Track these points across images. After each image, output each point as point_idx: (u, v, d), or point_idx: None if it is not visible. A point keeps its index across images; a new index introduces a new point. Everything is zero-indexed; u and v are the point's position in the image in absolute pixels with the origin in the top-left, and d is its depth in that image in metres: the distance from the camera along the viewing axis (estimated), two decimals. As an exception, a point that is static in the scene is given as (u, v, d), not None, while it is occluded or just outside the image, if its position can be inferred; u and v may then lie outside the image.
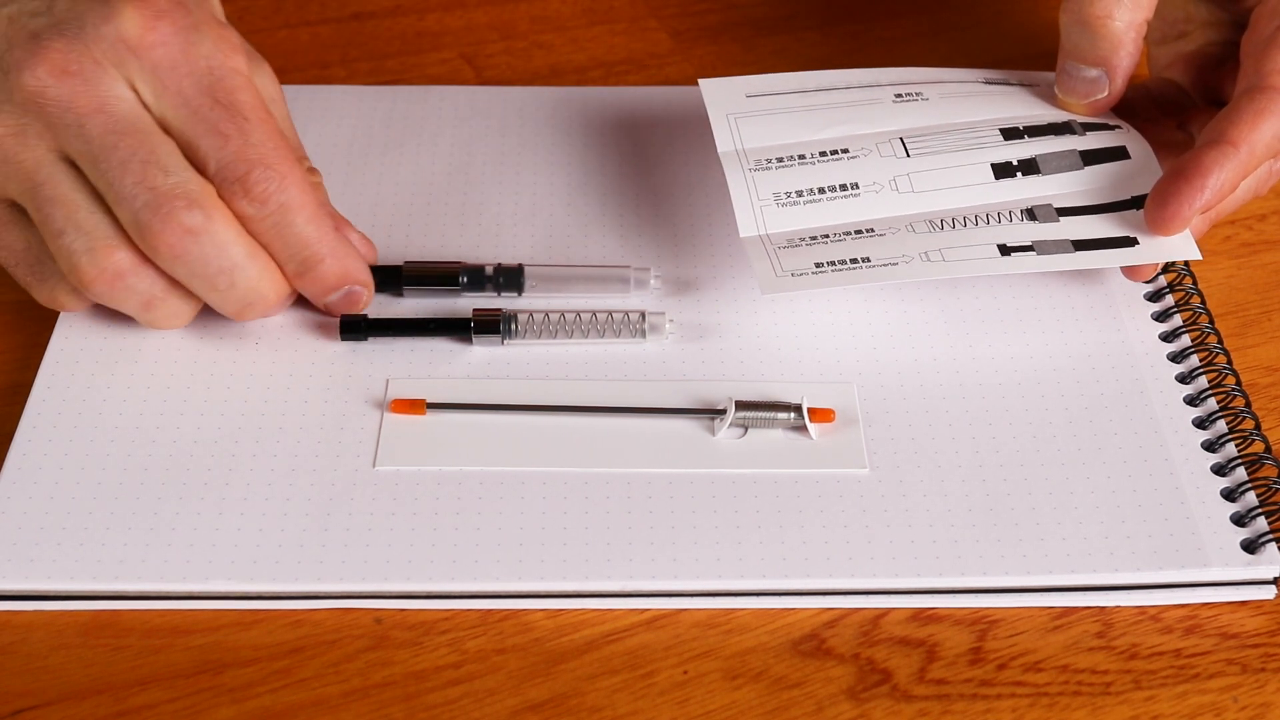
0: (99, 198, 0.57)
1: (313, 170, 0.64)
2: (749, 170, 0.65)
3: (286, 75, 0.78)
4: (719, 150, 0.66)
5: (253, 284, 0.59)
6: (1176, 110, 0.70)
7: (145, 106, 0.58)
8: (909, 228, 0.63)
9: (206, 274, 0.58)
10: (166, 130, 0.58)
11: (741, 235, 0.64)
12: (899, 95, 0.69)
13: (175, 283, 0.59)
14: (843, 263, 0.62)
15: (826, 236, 0.63)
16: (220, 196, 0.57)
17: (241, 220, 0.58)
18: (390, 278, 0.65)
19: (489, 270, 0.65)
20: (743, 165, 0.66)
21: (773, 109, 0.68)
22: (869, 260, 0.62)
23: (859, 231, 0.63)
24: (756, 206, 0.64)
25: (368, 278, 0.62)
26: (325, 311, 0.63)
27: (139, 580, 0.54)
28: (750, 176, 0.65)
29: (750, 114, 0.68)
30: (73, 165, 0.57)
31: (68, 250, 0.57)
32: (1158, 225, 0.63)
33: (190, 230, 0.57)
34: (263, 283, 0.59)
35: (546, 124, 0.75)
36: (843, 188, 0.65)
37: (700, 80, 0.69)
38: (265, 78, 0.62)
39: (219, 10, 0.62)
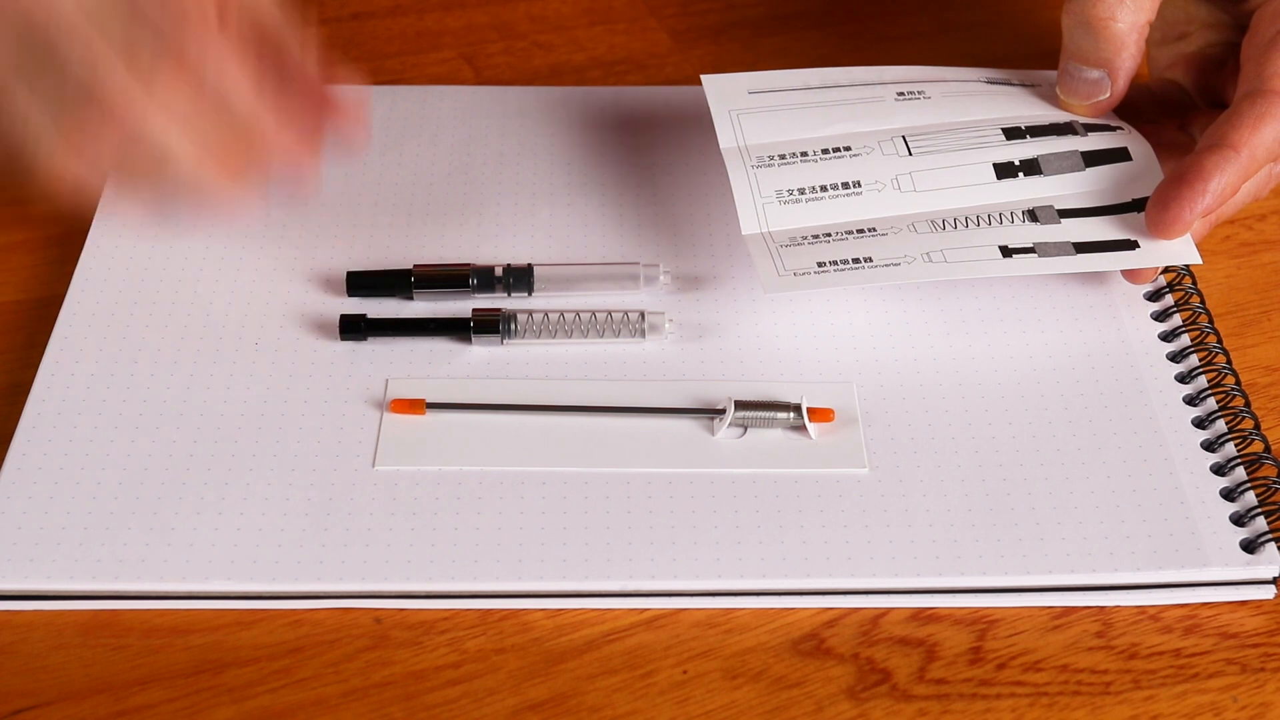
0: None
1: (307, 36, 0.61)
2: (751, 167, 0.65)
3: (286, 75, 0.78)
4: (721, 146, 0.66)
5: (189, 168, 0.57)
6: (1177, 111, 0.70)
7: (83, 8, 0.55)
8: (911, 228, 0.63)
9: (147, 166, 0.56)
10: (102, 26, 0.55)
11: (744, 233, 0.64)
12: (901, 94, 0.69)
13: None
14: (845, 262, 0.62)
15: (828, 235, 0.63)
16: (151, 81, 0.55)
17: (172, 105, 0.56)
18: (400, 281, 0.65)
19: (498, 271, 0.65)
20: (745, 162, 0.65)
21: (775, 106, 0.68)
22: (871, 260, 0.62)
23: (861, 231, 0.63)
24: (759, 203, 0.64)
25: (311, 151, 0.60)
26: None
27: (139, 580, 0.54)
28: (752, 173, 0.65)
29: (753, 110, 0.68)
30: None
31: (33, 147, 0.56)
32: (1159, 229, 0.63)
33: (123, 116, 0.55)
34: (198, 166, 0.57)
35: (546, 124, 0.75)
36: (845, 186, 0.65)
37: (702, 76, 0.69)
38: None
39: None
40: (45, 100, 0.56)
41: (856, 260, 0.62)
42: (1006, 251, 0.63)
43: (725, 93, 0.68)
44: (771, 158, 0.66)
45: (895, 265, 0.62)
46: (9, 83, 0.56)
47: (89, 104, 0.55)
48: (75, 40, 0.55)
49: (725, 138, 0.67)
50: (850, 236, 0.63)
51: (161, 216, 0.61)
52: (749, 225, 0.64)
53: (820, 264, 0.62)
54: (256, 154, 0.58)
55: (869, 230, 0.63)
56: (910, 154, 0.66)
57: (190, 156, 0.57)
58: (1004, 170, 0.65)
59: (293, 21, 0.61)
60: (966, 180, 0.65)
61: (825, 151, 0.66)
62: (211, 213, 0.60)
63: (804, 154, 0.66)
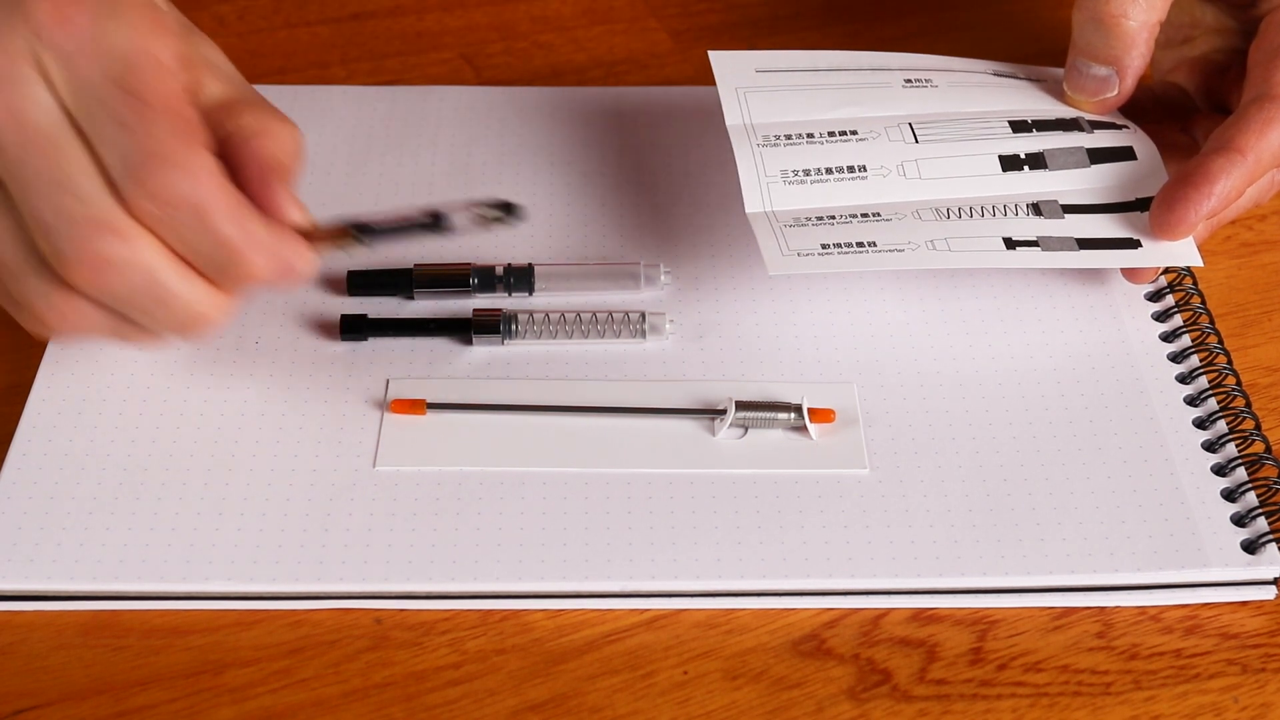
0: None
1: (287, 126, 0.56)
2: (757, 145, 0.65)
3: (286, 75, 0.78)
4: (727, 123, 0.66)
5: (189, 305, 0.54)
6: (1180, 114, 0.70)
7: (59, 103, 0.52)
8: (915, 214, 0.63)
9: (136, 302, 0.53)
10: (77, 127, 0.52)
11: (748, 211, 0.63)
12: (909, 80, 0.68)
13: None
14: (849, 245, 0.62)
15: (833, 218, 0.63)
16: (126, 201, 0.51)
17: (152, 227, 0.52)
18: (400, 281, 0.65)
19: (499, 270, 0.65)
20: (751, 140, 0.65)
21: (783, 86, 0.68)
22: (875, 245, 0.62)
23: (865, 215, 0.63)
24: (763, 182, 0.64)
25: (304, 253, 0.54)
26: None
27: (139, 580, 0.54)
28: (758, 152, 0.65)
29: (760, 89, 0.67)
30: (2, 185, 0.52)
31: (19, 298, 0.54)
32: (1163, 230, 0.63)
33: (108, 261, 0.51)
34: (201, 302, 0.54)
35: (546, 124, 0.75)
36: (850, 169, 0.65)
37: (710, 53, 0.69)
38: (207, 47, 0.56)
39: None
40: (12, 230, 0.53)
41: (860, 244, 0.62)
42: (1010, 244, 0.63)
43: (733, 70, 0.68)
44: (778, 137, 0.65)
45: (899, 251, 0.62)
46: None
47: (62, 229, 0.51)
48: (42, 157, 0.51)
49: (732, 115, 0.66)
50: (855, 220, 0.63)
51: (142, 342, 0.57)
52: (753, 204, 0.63)
53: (824, 245, 0.62)
54: (248, 266, 0.53)
55: (873, 215, 0.63)
56: (917, 141, 0.65)
57: (180, 279, 0.53)
58: (1009, 163, 0.65)
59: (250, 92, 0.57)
60: (972, 170, 0.65)
61: (832, 134, 0.66)
62: (200, 332, 0.55)
63: (810, 135, 0.65)
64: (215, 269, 0.53)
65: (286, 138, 0.55)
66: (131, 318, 0.54)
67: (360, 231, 0.56)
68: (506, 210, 0.55)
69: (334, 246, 0.56)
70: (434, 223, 0.55)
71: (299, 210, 0.55)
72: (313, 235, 0.55)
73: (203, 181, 0.51)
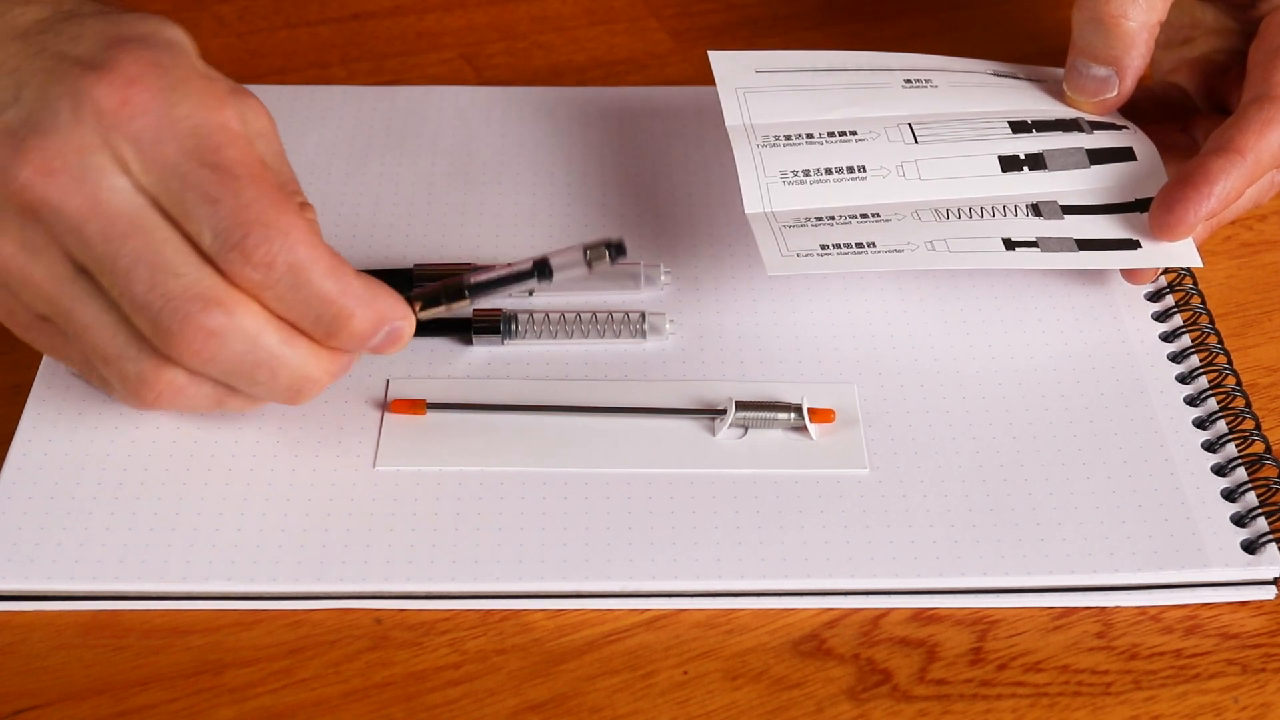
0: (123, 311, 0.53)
1: (306, 205, 0.56)
2: (757, 146, 0.65)
3: (286, 75, 0.78)
4: (727, 124, 0.66)
5: (295, 369, 0.54)
6: (1180, 114, 0.70)
7: (138, 186, 0.52)
8: (915, 215, 0.63)
9: (243, 371, 0.53)
10: (161, 207, 0.52)
11: (747, 212, 0.63)
12: (908, 81, 0.68)
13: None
14: (848, 246, 0.62)
15: (832, 218, 0.63)
16: (225, 273, 0.52)
17: (254, 293, 0.52)
18: (400, 280, 0.65)
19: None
20: (750, 140, 0.65)
21: (782, 86, 0.68)
22: (874, 245, 0.62)
23: (865, 216, 0.63)
24: (763, 183, 0.64)
25: (405, 310, 0.55)
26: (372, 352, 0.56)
27: (139, 580, 0.54)
28: (758, 152, 0.65)
29: (759, 89, 0.67)
30: (89, 274, 0.53)
31: (118, 378, 0.54)
32: (1163, 231, 0.63)
33: (213, 333, 0.52)
34: (306, 365, 0.54)
35: (546, 124, 0.75)
36: (850, 170, 0.65)
37: (710, 52, 0.69)
38: (253, 114, 0.55)
39: (196, 57, 0.55)
40: (108, 318, 0.53)
41: (860, 245, 0.62)
42: (1010, 244, 0.63)
43: (733, 70, 0.68)
44: (777, 138, 0.65)
45: (898, 252, 0.62)
46: (68, 304, 0.53)
47: (164, 306, 0.51)
48: (133, 242, 0.51)
49: (731, 115, 0.66)
50: (854, 221, 0.63)
51: (244, 409, 0.57)
52: (752, 204, 0.63)
53: (823, 246, 0.62)
54: (349, 320, 0.53)
55: (873, 215, 0.63)
56: (916, 142, 0.65)
57: (285, 344, 0.53)
58: (1009, 163, 0.65)
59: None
60: (971, 171, 0.65)
61: (831, 135, 0.66)
62: (307, 397, 0.55)
63: (810, 136, 0.65)
64: (319, 327, 0.53)
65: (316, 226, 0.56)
66: (238, 386, 0.54)
67: (471, 290, 0.57)
68: (616, 250, 0.57)
69: (444, 309, 0.57)
70: (540, 271, 0.57)
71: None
72: (419, 297, 0.57)
73: (300, 242, 0.52)
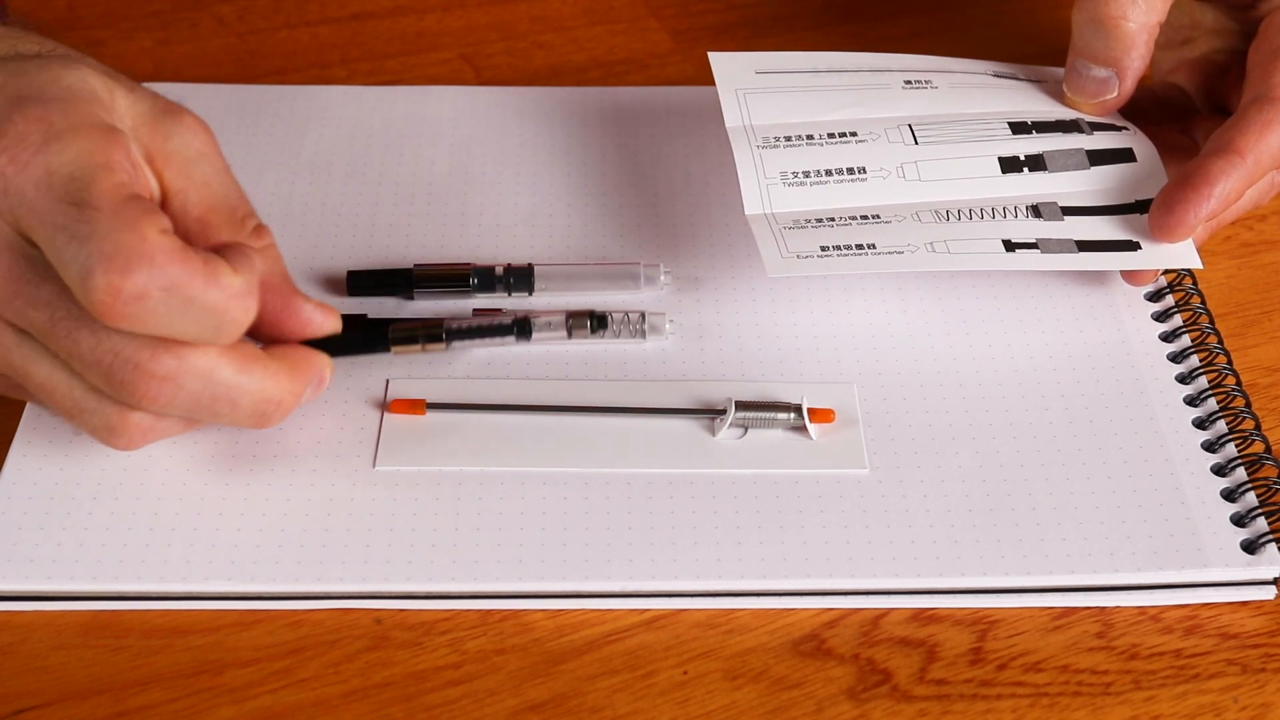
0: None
1: (261, 229, 0.55)
2: (757, 147, 0.65)
3: (286, 75, 0.78)
4: (727, 125, 0.66)
5: (255, 395, 0.53)
6: (1180, 115, 0.70)
7: (29, 244, 0.51)
8: (915, 216, 0.63)
9: (204, 406, 0.53)
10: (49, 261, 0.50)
11: (747, 213, 0.63)
12: (908, 82, 0.68)
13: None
14: (848, 247, 0.62)
15: (832, 220, 0.63)
16: (93, 309, 0.49)
17: (140, 326, 0.50)
18: (400, 281, 0.65)
19: (499, 270, 0.65)
20: (750, 142, 0.65)
21: (782, 87, 0.68)
22: (875, 247, 0.62)
23: (865, 217, 0.63)
24: (763, 184, 0.64)
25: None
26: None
27: (139, 580, 0.54)
28: (757, 153, 0.65)
29: (759, 90, 0.67)
30: (33, 337, 0.52)
31: (87, 429, 0.54)
32: (1162, 232, 0.63)
33: (166, 378, 0.51)
34: (265, 389, 0.53)
35: (546, 124, 0.75)
36: (850, 171, 0.65)
37: (710, 54, 0.69)
38: (187, 135, 0.54)
39: (102, 91, 0.53)
40: (59, 375, 0.53)
41: (860, 246, 0.62)
42: (1010, 246, 0.63)
43: (733, 71, 0.68)
44: (777, 139, 0.65)
45: (898, 254, 0.62)
46: (20, 366, 0.53)
47: (104, 359, 0.51)
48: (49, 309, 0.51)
49: (731, 116, 0.66)
50: (854, 222, 0.63)
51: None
52: (753, 206, 0.63)
53: (824, 248, 0.62)
54: (233, 314, 0.51)
55: (873, 217, 0.63)
56: (916, 143, 0.65)
57: (238, 372, 0.53)
58: (1009, 164, 0.65)
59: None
60: (972, 172, 0.65)
61: (831, 136, 0.66)
62: (277, 420, 0.55)
63: (810, 137, 0.65)
64: (213, 334, 0.52)
65: (273, 250, 0.56)
66: (202, 420, 0.54)
67: (448, 336, 0.61)
68: (598, 322, 0.61)
69: (419, 349, 0.61)
70: (520, 329, 0.61)
71: (325, 315, 0.56)
72: (398, 335, 0.61)
73: (159, 263, 0.49)
